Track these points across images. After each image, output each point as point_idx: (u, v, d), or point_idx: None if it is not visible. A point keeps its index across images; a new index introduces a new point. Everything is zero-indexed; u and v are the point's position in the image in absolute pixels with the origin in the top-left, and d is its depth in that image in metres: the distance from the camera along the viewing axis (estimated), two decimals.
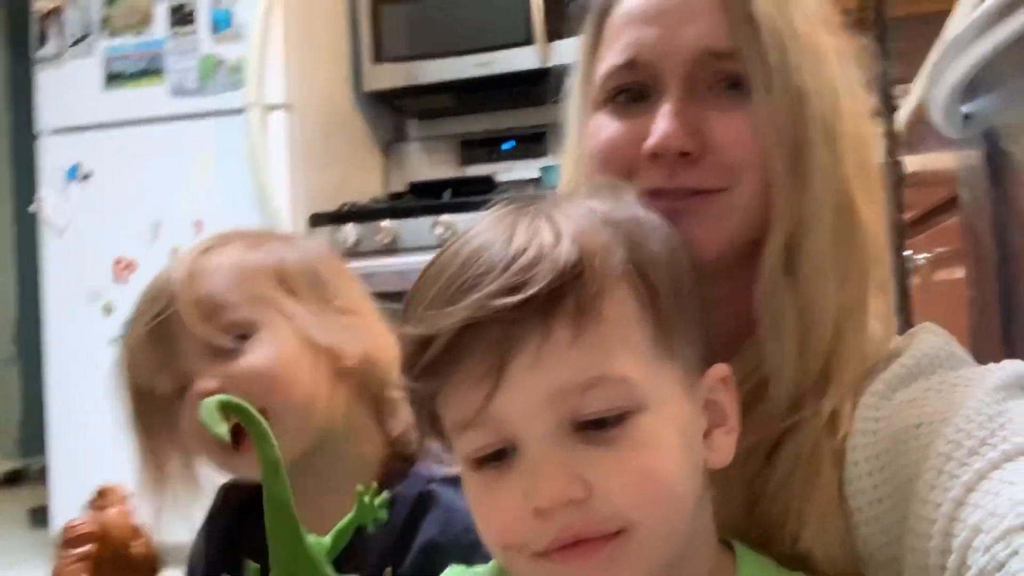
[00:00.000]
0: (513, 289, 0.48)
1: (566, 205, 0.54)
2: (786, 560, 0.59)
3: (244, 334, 0.82)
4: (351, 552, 0.81)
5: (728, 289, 0.63)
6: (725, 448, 0.55)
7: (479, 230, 0.53)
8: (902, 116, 1.56)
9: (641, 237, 0.53)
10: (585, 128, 0.69)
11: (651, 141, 0.62)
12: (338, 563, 0.81)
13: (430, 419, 0.54)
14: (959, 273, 1.36)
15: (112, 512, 0.88)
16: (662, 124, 0.62)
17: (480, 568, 0.61)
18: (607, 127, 0.66)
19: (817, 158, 0.61)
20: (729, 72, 0.62)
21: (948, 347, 0.63)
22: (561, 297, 0.48)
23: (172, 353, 0.82)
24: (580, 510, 0.48)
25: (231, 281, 0.84)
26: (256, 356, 0.81)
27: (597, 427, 0.49)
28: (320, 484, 0.83)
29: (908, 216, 1.48)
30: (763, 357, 0.61)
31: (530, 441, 0.50)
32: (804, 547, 0.59)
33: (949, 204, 1.40)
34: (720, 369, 0.56)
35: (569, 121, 0.74)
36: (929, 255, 1.47)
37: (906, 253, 1.46)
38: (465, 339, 0.49)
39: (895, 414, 0.58)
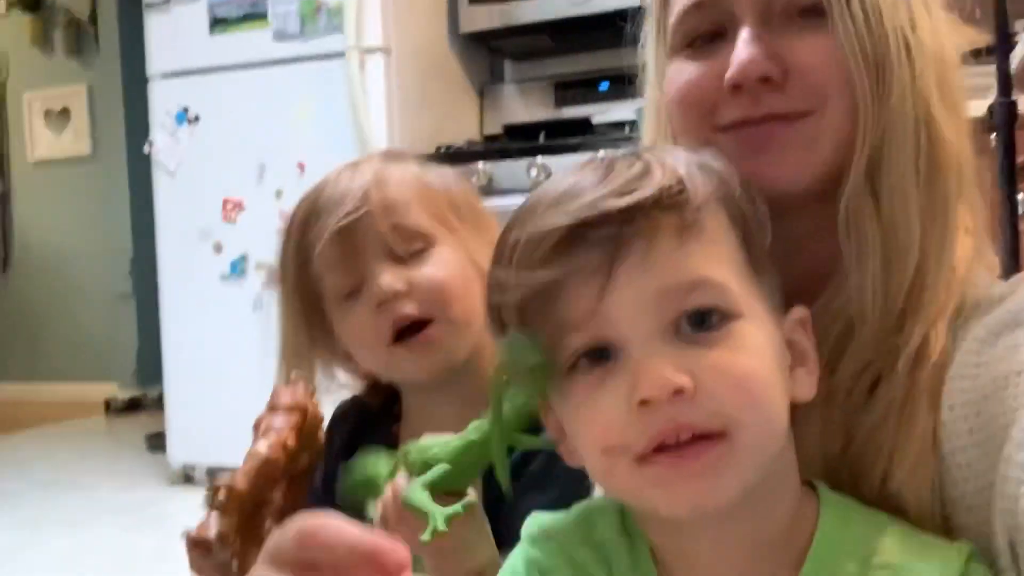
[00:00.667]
0: (623, 193, 0.51)
1: (657, 151, 0.57)
2: (873, 502, 0.58)
3: (422, 247, 0.86)
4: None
5: (812, 225, 0.62)
6: (808, 385, 0.56)
7: (568, 172, 0.56)
8: (1018, 54, 1.49)
9: (729, 178, 0.56)
10: (663, 78, 0.69)
11: (731, 71, 0.61)
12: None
13: (532, 319, 0.54)
14: None
15: (308, 395, 0.94)
16: (741, 52, 0.61)
17: (560, 515, 0.62)
18: (685, 71, 0.66)
19: (896, 72, 0.60)
20: (804, 1, 0.62)
21: None
22: (666, 208, 0.51)
23: (353, 252, 0.86)
24: (685, 404, 0.49)
25: (415, 194, 0.88)
26: (437, 268, 0.86)
27: (699, 327, 0.51)
28: (443, 405, 0.87)
29: (1020, 159, 1.42)
30: (849, 292, 0.61)
31: (636, 341, 0.51)
32: (894, 488, 0.58)
33: None
34: (799, 311, 0.57)
35: (648, 71, 0.73)
36: None
37: (1019, 196, 1.41)
38: (578, 236, 0.51)
39: (996, 360, 0.57)
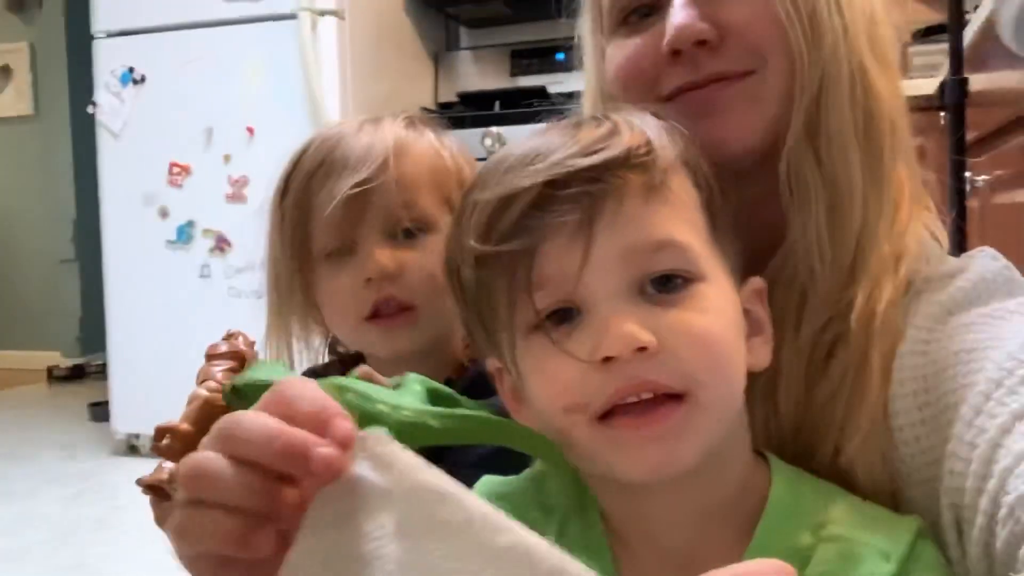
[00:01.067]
0: (592, 152, 0.51)
1: (621, 110, 0.57)
2: (825, 475, 0.59)
3: (422, 229, 0.84)
4: None
5: (761, 191, 0.62)
6: (763, 355, 0.57)
7: (534, 134, 0.55)
8: (969, 32, 1.50)
9: (693, 142, 0.57)
10: (601, 58, 0.69)
11: (668, 37, 0.62)
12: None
13: (491, 280, 0.54)
14: (1020, 197, 1.32)
15: (244, 345, 0.91)
16: (676, 17, 0.62)
17: (512, 478, 0.62)
18: (624, 48, 0.66)
19: (828, 24, 0.61)
20: None
21: (1007, 272, 0.62)
22: (634, 167, 0.52)
23: (354, 218, 0.83)
24: (647, 361, 0.49)
25: (429, 173, 0.86)
26: (432, 260, 0.82)
27: (663, 288, 0.51)
28: (428, 372, 0.87)
29: (970, 137, 1.44)
30: (797, 253, 0.61)
31: (601, 299, 0.51)
32: (846, 461, 0.59)
33: (1013, 125, 1.35)
34: (756, 281, 0.58)
35: (584, 48, 0.74)
36: (989, 177, 1.43)
37: (966, 175, 1.42)
38: (548, 197, 0.51)
39: (947, 337, 0.58)
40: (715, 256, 0.54)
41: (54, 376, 4.39)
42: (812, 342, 0.61)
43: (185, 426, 0.82)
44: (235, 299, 2.69)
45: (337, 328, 0.89)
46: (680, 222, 0.53)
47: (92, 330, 4.03)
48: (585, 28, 0.73)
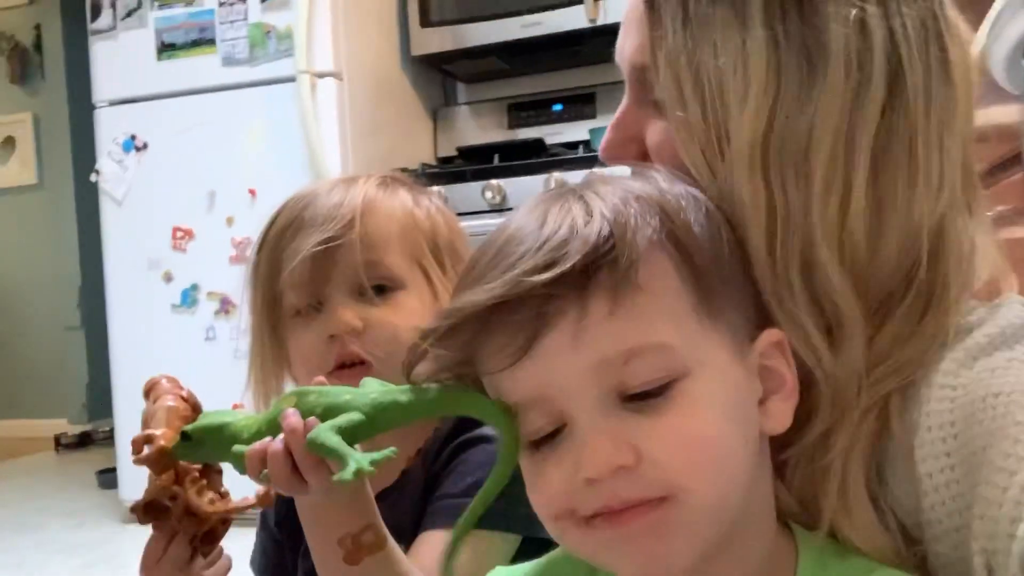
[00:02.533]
0: (547, 266, 0.49)
1: (600, 186, 0.55)
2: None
3: (389, 287, 0.85)
4: (399, 487, 0.86)
5: None
6: (782, 414, 0.54)
7: (515, 218, 0.54)
8: None
9: (674, 207, 0.53)
10: None
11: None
12: (388, 498, 0.84)
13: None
14: (1021, 232, 1.31)
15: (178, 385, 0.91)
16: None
17: (521, 567, 0.62)
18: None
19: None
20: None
21: None
22: (595, 271, 0.49)
23: (320, 276, 0.85)
24: (629, 477, 0.49)
25: (399, 232, 0.87)
26: (398, 317, 0.84)
27: (643, 398, 0.50)
28: (391, 437, 0.86)
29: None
30: None
31: (579, 414, 0.50)
32: (842, 537, 0.57)
33: (1012, 160, 1.35)
34: (773, 334, 0.55)
35: None
36: (991, 213, 1.43)
37: None
38: (497, 315, 0.50)
39: (974, 382, 0.56)
40: (706, 336, 0.51)
41: (62, 444, 4.36)
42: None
43: (161, 432, 0.82)
44: (241, 360, 2.67)
45: (304, 383, 0.88)
46: (655, 319, 0.50)
47: (99, 396, 4.01)
48: None
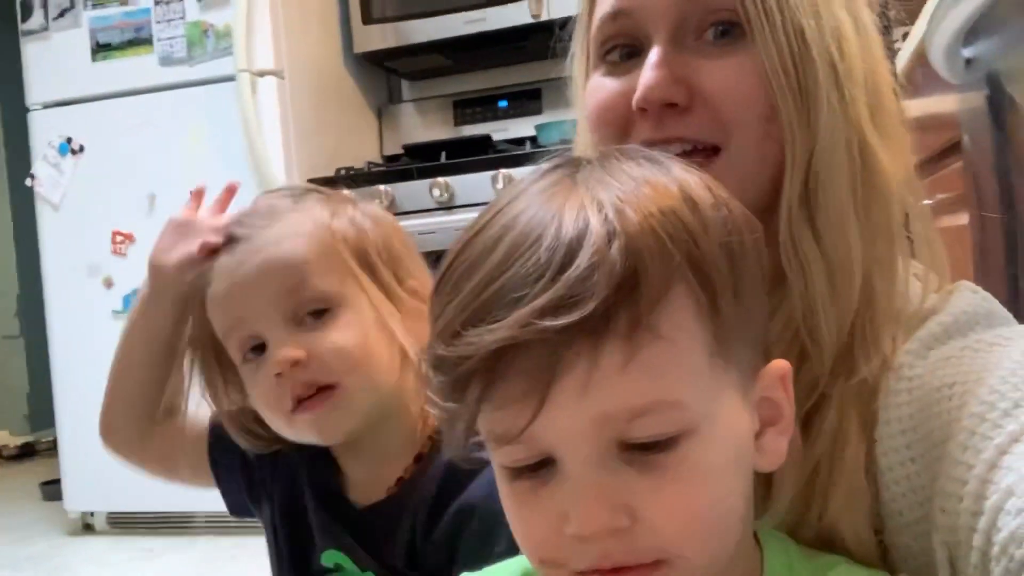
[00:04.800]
0: (562, 308, 0.43)
1: (614, 178, 0.49)
2: (814, 540, 0.57)
3: (324, 308, 0.80)
4: (387, 508, 0.83)
5: None
6: (776, 450, 0.52)
7: (521, 208, 0.47)
8: (902, 60, 1.53)
9: (699, 224, 0.47)
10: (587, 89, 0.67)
11: (636, 95, 0.60)
12: (372, 529, 0.83)
13: (458, 430, 0.49)
14: (963, 219, 1.34)
15: None
16: (646, 75, 0.60)
17: (490, 569, 0.60)
18: (600, 88, 0.65)
19: (824, 99, 0.58)
20: (720, 16, 0.60)
21: (986, 304, 0.62)
22: (614, 315, 0.44)
23: (249, 313, 0.81)
24: (621, 539, 0.45)
25: (317, 250, 0.81)
26: (340, 335, 0.80)
27: (644, 450, 0.46)
28: (376, 453, 0.84)
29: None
30: (797, 321, 0.59)
31: (572, 463, 0.46)
32: (830, 521, 0.57)
33: (951, 149, 1.37)
34: (779, 366, 0.52)
35: (575, 80, 0.72)
36: (931, 201, 1.45)
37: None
38: (505, 359, 0.44)
39: (929, 373, 0.57)
40: (719, 376, 0.47)
41: (3, 455, 4.25)
42: (799, 403, 0.58)
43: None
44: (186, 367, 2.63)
45: (276, 428, 0.85)
46: (669, 372, 0.45)
47: (40, 406, 3.92)
48: (577, 64, 0.71)
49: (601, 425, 0.45)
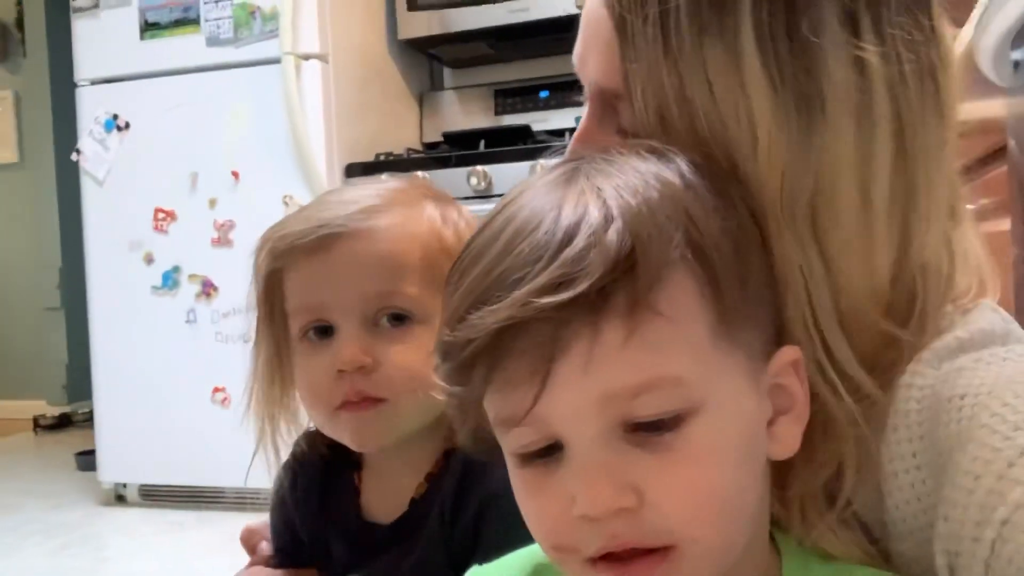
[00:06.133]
0: (560, 285, 0.44)
1: (618, 172, 0.49)
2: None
3: (407, 316, 0.76)
4: (412, 517, 0.80)
5: None
6: (789, 438, 0.51)
7: (524, 201, 0.49)
8: None
9: (701, 210, 0.48)
10: None
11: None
12: (402, 529, 0.81)
13: (467, 416, 0.51)
14: (1004, 225, 1.32)
15: None
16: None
17: (500, 563, 0.60)
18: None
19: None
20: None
21: (1004, 324, 0.61)
22: (612, 293, 0.44)
23: (332, 301, 0.76)
24: (630, 519, 0.45)
25: (422, 256, 0.76)
26: (412, 352, 0.75)
27: (650, 429, 0.46)
28: (404, 457, 0.82)
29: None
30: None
31: (578, 444, 0.46)
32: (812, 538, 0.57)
33: (996, 154, 1.35)
34: (789, 352, 0.51)
35: None
36: (974, 206, 1.43)
37: None
38: (507, 339, 0.45)
39: (940, 383, 0.56)
40: (723, 359, 0.47)
41: (40, 425, 4.33)
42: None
43: None
44: (221, 344, 2.67)
45: (313, 418, 0.82)
46: (671, 348, 0.45)
47: (79, 378, 3.99)
48: None
49: (605, 404, 0.45)
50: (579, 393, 0.45)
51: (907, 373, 0.58)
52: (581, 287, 0.43)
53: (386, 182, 0.83)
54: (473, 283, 0.47)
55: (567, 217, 0.46)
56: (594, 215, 0.45)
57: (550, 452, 0.48)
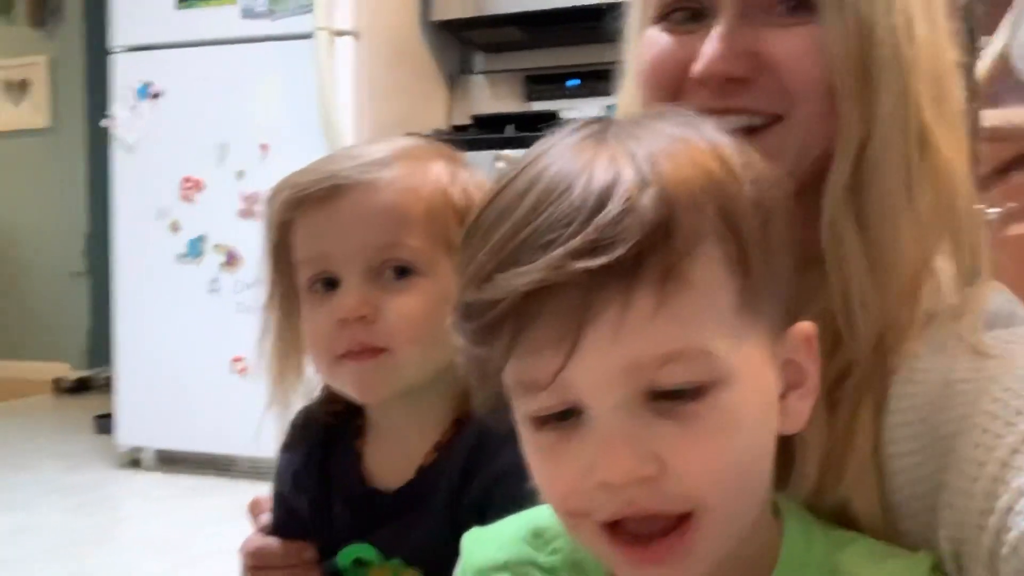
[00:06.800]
0: (595, 250, 0.43)
1: (646, 132, 0.49)
2: (830, 517, 0.57)
3: (411, 269, 0.77)
4: (419, 486, 0.81)
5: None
6: (799, 413, 0.51)
7: (549, 161, 0.47)
8: (982, 67, 1.50)
9: (730, 179, 0.47)
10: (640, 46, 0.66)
11: (698, 66, 0.60)
12: (408, 497, 0.81)
13: (488, 378, 0.49)
14: None
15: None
16: (709, 47, 0.59)
17: (507, 539, 0.59)
18: (657, 43, 0.64)
19: (885, 85, 0.57)
20: None
21: (1010, 306, 0.61)
22: (646, 261, 0.43)
23: (335, 252, 0.77)
24: (649, 486, 0.45)
25: (426, 210, 0.77)
26: (414, 303, 0.76)
27: (673, 398, 0.45)
28: (409, 429, 0.82)
29: (983, 171, 1.43)
30: (834, 300, 0.59)
31: (600, 411, 0.46)
32: (844, 496, 0.57)
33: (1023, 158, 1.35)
34: (805, 328, 0.52)
35: (628, 41, 0.71)
36: (1001, 210, 1.42)
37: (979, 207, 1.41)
38: (536, 303, 0.44)
39: (940, 368, 0.56)
40: (747, 330, 0.47)
41: (60, 388, 4.38)
42: (831, 385, 0.58)
43: None
44: (243, 314, 2.69)
45: (317, 367, 0.83)
46: (699, 319, 0.45)
47: (100, 343, 4.03)
48: (631, 25, 0.70)
49: (631, 372, 0.45)
50: (607, 360, 0.45)
51: (908, 356, 0.58)
52: (617, 252, 0.43)
53: (399, 139, 0.83)
54: (499, 242, 0.46)
55: (599, 180, 0.45)
56: (628, 179, 0.45)
57: (566, 416, 0.47)
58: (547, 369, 0.45)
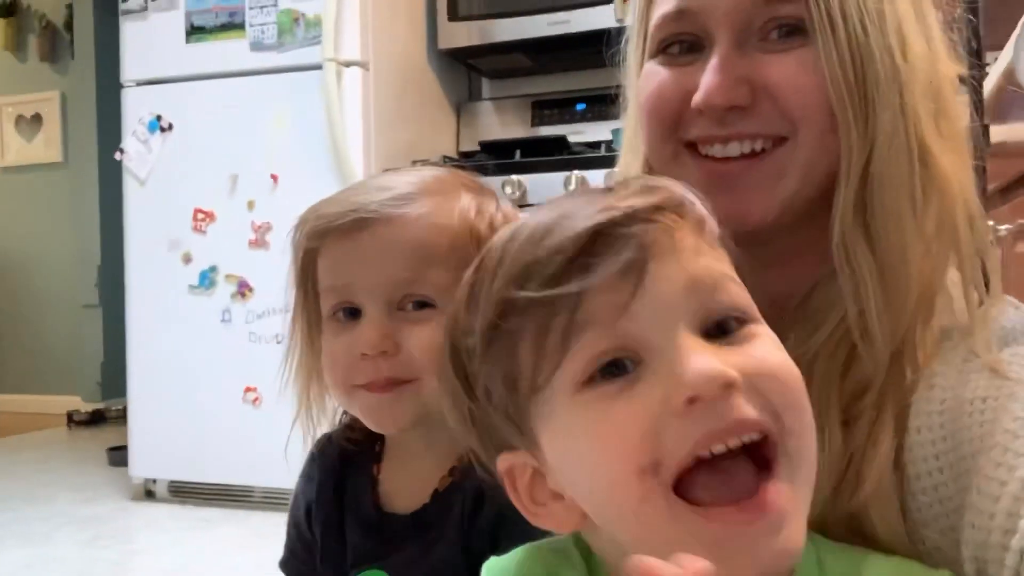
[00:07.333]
0: (646, 192, 0.50)
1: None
2: (844, 531, 0.57)
3: (431, 303, 0.76)
4: (433, 510, 0.81)
5: (795, 241, 0.62)
6: None
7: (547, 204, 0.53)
8: (989, 83, 1.50)
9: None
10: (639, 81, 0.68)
11: (698, 97, 0.61)
12: (422, 522, 0.80)
13: (560, 328, 0.48)
14: None
15: None
16: (708, 78, 0.61)
17: (511, 555, 0.60)
18: (657, 76, 0.66)
19: (884, 102, 0.58)
20: (783, 16, 0.61)
21: None
22: (685, 212, 0.50)
23: (358, 283, 0.77)
24: (735, 398, 0.45)
25: (451, 245, 0.76)
26: (433, 336, 0.73)
27: (724, 331, 0.48)
28: (427, 446, 0.82)
29: (991, 187, 1.43)
30: (850, 311, 0.59)
31: (668, 339, 0.46)
32: (859, 507, 0.57)
33: None
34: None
35: (628, 76, 0.73)
36: (1011, 227, 1.42)
37: (988, 224, 1.41)
38: (600, 240, 0.47)
39: (962, 384, 0.57)
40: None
41: (74, 420, 4.39)
42: (846, 406, 0.59)
43: None
44: (255, 344, 2.70)
45: (335, 395, 0.83)
46: (728, 264, 0.51)
47: (113, 375, 4.05)
48: (630, 62, 0.72)
49: (690, 295, 0.48)
50: (670, 285, 0.47)
51: (929, 374, 0.58)
52: (664, 195, 0.49)
53: (425, 171, 0.83)
54: (545, 219, 0.50)
55: (619, 186, 0.53)
56: (641, 183, 0.51)
57: (616, 373, 0.47)
58: (613, 305, 0.47)
